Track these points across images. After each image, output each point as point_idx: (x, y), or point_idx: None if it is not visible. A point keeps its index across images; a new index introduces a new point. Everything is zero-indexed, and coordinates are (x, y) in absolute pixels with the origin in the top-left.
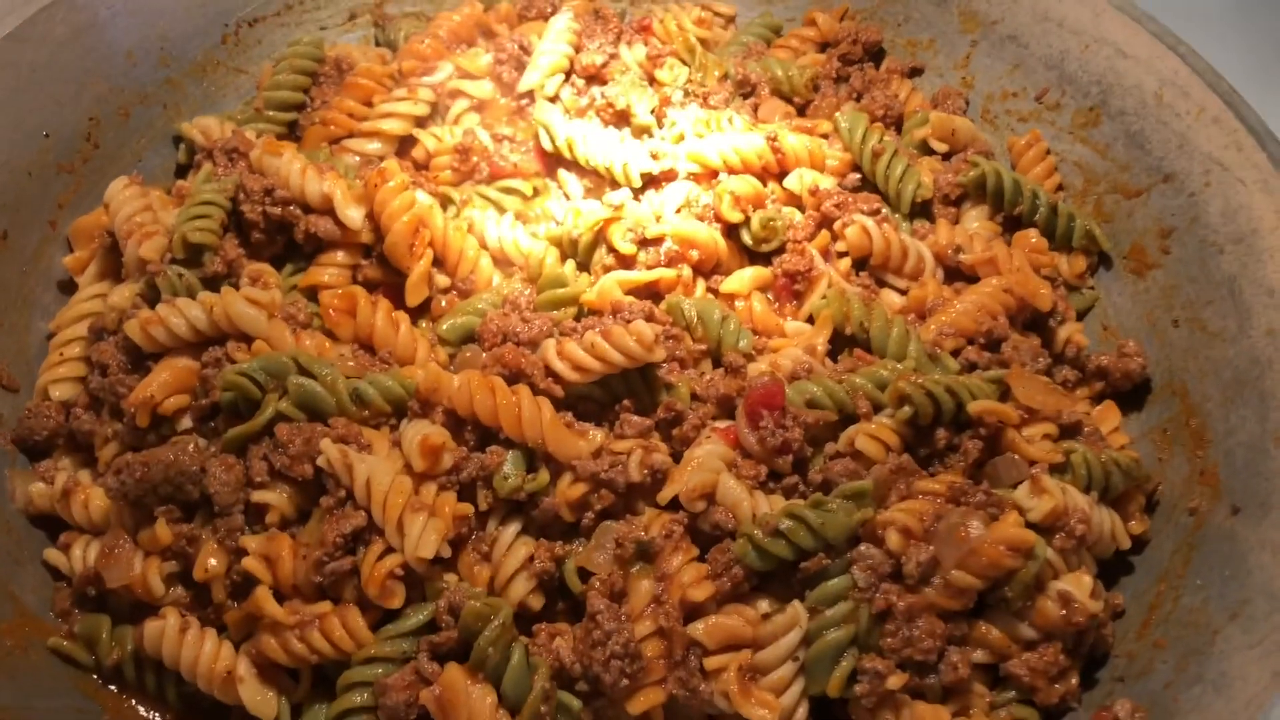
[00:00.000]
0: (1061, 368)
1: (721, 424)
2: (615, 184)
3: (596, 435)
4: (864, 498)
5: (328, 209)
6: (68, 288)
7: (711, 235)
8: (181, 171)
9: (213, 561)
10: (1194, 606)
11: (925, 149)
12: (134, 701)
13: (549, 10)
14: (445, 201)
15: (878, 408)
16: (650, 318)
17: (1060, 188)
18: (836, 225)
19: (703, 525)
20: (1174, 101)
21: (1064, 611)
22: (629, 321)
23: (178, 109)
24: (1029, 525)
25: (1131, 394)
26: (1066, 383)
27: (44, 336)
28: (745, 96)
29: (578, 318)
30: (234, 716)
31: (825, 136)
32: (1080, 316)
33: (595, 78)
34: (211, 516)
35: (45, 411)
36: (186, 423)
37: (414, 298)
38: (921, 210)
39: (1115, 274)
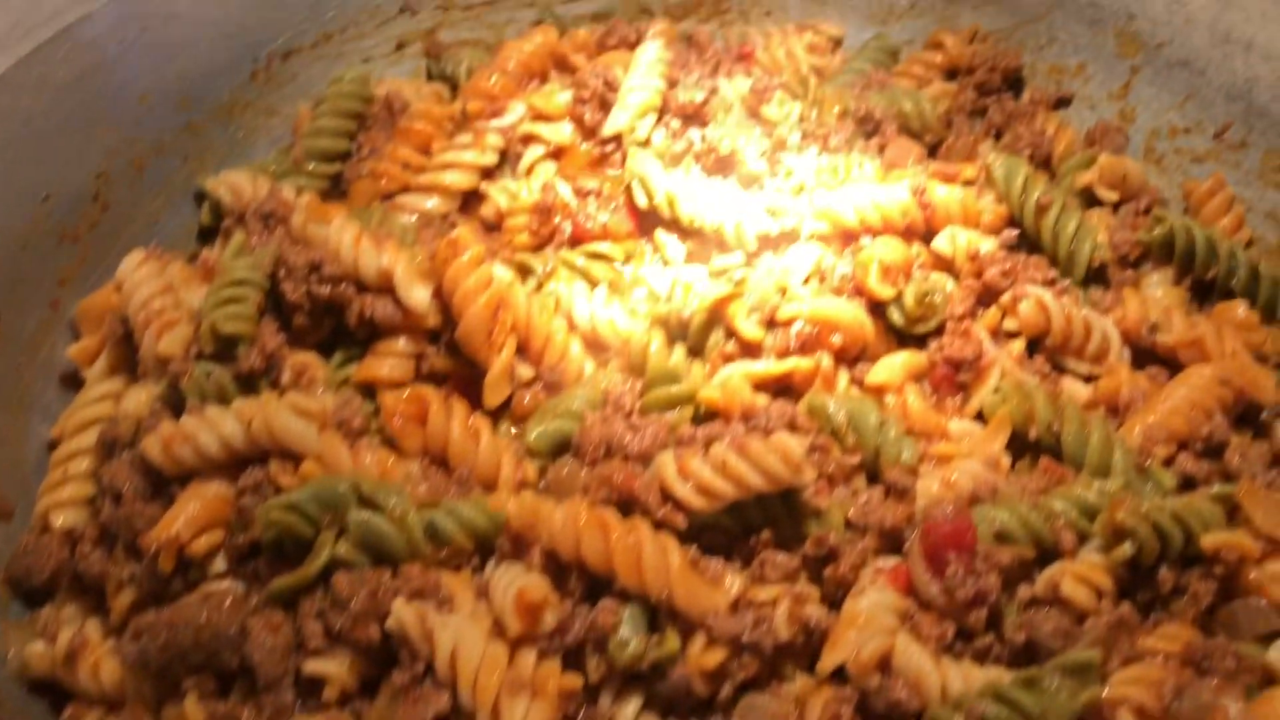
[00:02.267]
0: None
1: (887, 562)
2: (723, 245)
3: (734, 581)
4: (1089, 672)
5: (387, 287)
6: (72, 383)
7: (857, 315)
8: (205, 235)
9: None
10: None
11: (1088, 198)
12: None
13: (632, 37)
14: (524, 272)
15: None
16: (793, 426)
17: (1250, 244)
18: (1005, 299)
19: (876, 704)
20: None
21: None
22: (768, 432)
23: (200, 159)
24: None
25: None
26: None
27: (44, 444)
28: (868, 136)
29: (695, 419)
30: None
31: (968, 183)
32: None
33: (694, 117)
34: (254, 691)
35: (45, 547)
36: (220, 565)
37: (494, 397)
38: (1094, 274)
39: None
